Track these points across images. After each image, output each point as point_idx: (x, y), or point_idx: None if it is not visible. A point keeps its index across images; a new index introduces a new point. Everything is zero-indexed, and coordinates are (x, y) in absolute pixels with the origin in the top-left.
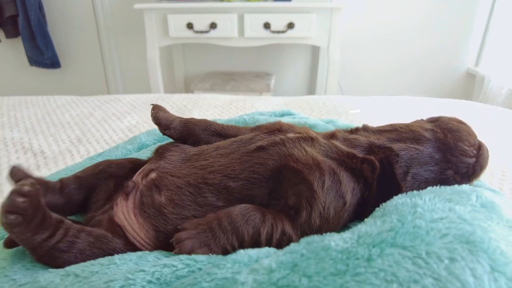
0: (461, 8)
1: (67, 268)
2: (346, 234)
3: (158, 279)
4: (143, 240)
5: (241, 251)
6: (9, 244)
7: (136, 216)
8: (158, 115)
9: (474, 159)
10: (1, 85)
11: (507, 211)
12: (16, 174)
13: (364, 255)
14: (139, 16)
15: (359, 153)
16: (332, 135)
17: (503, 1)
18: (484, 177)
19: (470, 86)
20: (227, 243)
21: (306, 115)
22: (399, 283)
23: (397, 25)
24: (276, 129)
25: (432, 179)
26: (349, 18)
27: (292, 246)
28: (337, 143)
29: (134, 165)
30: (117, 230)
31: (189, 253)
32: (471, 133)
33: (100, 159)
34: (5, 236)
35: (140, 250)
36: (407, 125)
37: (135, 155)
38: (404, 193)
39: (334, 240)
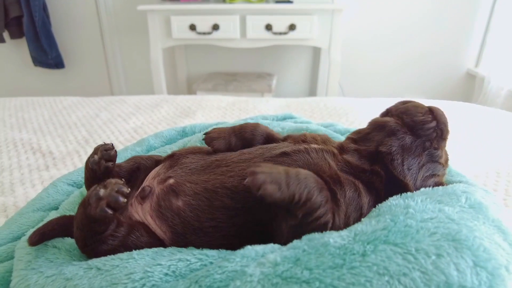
0: (462, 9)
1: (89, 262)
2: (344, 232)
3: (174, 271)
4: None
5: (248, 247)
6: (34, 241)
7: (153, 218)
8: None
9: (434, 122)
10: (6, 85)
11: (494, 212)
12: (109, 155)
13: (359, 251)
14: (143, 17)
15: (366, 165)
16: (341, 148)
17: (503, 2)
18: (479, 178)
19: (470, 87)
20: (297, 190)
21: (307, 117)
22: (390, 276)
23: (398, 26)
24: (301, 140)
25: (423, 161)
26: (350, 19)
27: (295, 242)
28: (349, 157)
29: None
30: (138, 227)
31: (260, 186)
32: (417, 105)
33: None
34: (26, 233)
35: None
36: (373, 125)
37: None
38: (399, 195)
39: (333, 237)
